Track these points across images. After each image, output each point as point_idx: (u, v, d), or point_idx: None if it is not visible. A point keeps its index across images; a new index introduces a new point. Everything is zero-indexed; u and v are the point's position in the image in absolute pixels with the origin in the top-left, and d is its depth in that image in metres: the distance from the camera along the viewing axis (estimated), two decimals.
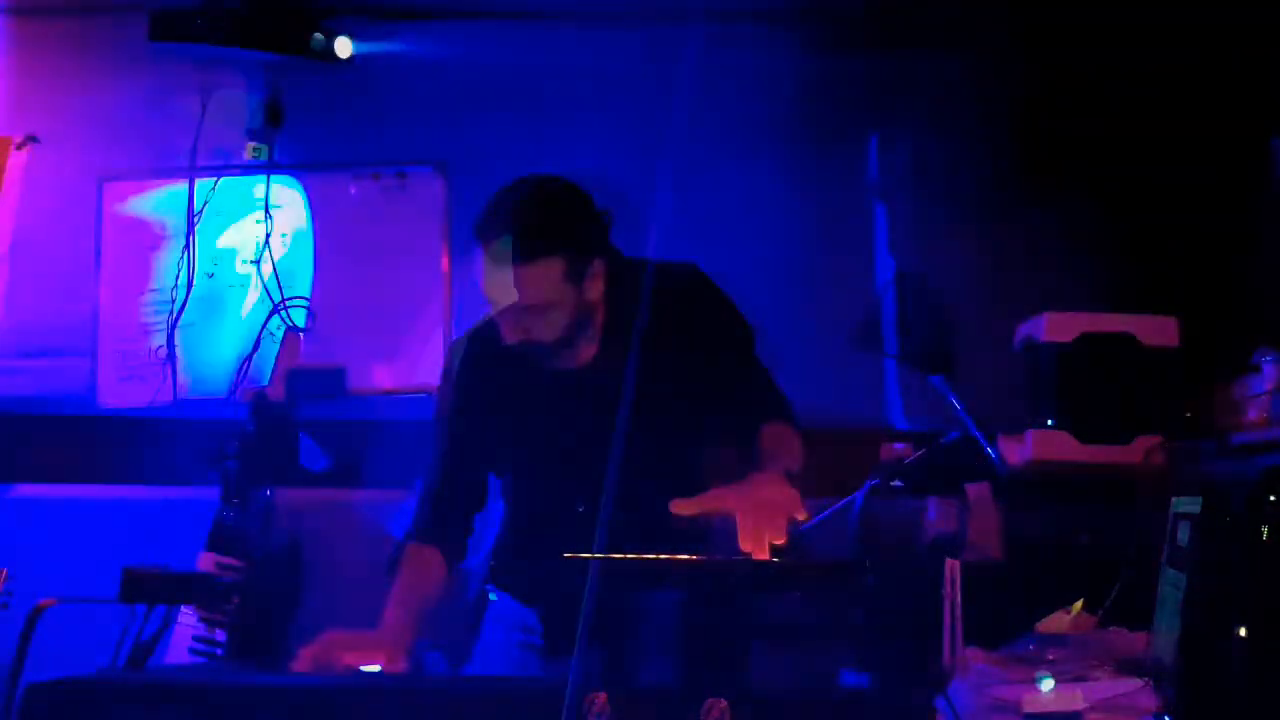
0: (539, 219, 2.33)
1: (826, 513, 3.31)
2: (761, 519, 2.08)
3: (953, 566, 2.21)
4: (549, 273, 2.31)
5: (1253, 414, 3.35)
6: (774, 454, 2.32)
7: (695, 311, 2.48)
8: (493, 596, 2.57)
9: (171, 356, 4.21)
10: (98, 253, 4.29)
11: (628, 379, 2.42)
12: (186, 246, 4.25)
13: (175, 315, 4.22)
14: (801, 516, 2.12)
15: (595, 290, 2.39)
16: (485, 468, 2.56)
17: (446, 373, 2.61)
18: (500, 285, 2.32)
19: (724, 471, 2.32)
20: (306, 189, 4.31)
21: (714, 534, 2.21)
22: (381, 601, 2.41)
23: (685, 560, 1.91)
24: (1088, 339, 3.50)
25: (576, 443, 2.43)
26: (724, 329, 2.50)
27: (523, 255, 2.29)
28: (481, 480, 2.56)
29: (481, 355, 2.54)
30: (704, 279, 2.55)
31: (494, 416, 2.50)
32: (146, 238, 4.30)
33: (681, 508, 2.14)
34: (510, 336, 2.35)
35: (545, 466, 2.50)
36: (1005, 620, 2.57)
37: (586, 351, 2.43)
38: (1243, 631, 1.88)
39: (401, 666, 2.18)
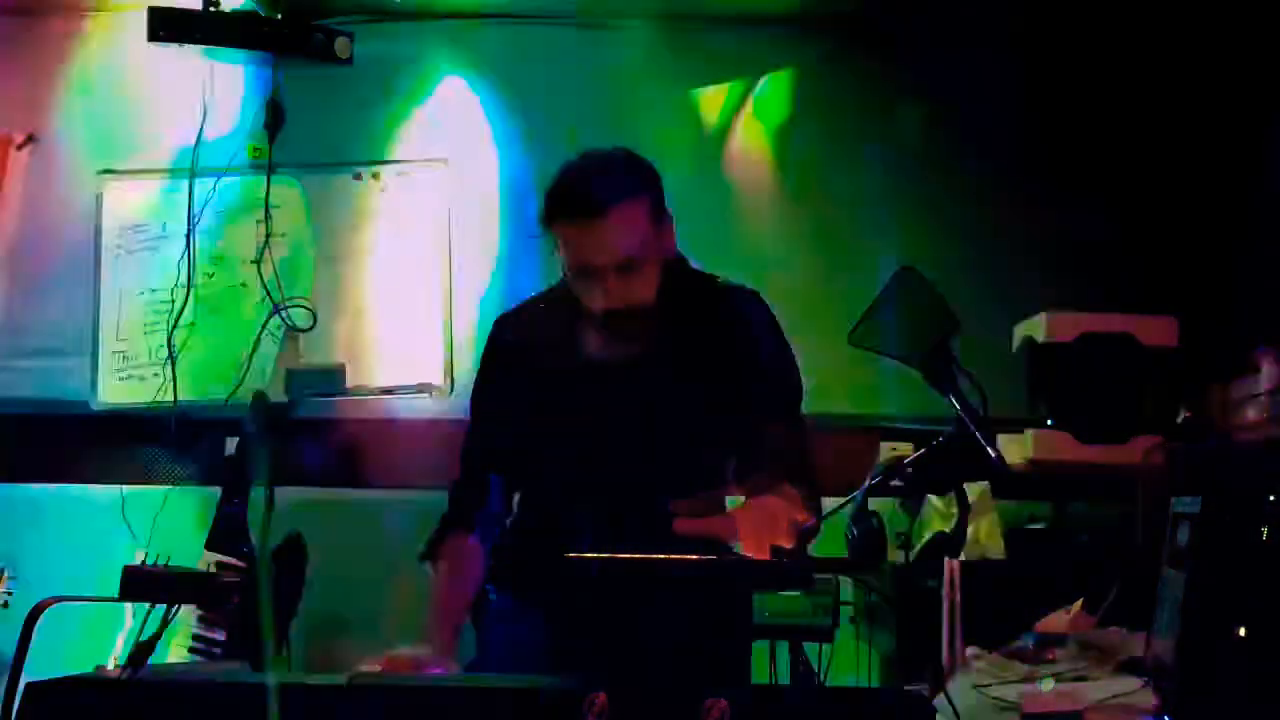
0: (617, 164, 2.35)
1: (826, 513, 3.30)
2: (763, 525, 2.07)
3: (953, 566, 2.22)
4: (640, 211, 2.30)
5: (1252, 414, 3.35)
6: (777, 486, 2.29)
7: (748, 343, 2.44)
8: (492, 596, 2.57)
9: (171, 356, 4.21)
10: (98, 252, 4.29)
11: (663, 382, 2.41)
12: (186, 246, 4.25)
13: (175, 315, 4.22)
14: (801, 517, 2.11)
15: (671, 246, 2.39)
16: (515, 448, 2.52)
17: (484, 352, 2.59)
18: (597, 244, 2.30)
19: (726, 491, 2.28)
20: (306, 189, 4.31)
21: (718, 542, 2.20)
22: (381, 602, 2.40)
23: (685, 560, 1.90)
24: (1088, 339, 3.51)
25: (585, 441, 2.42)
26: (772, 374, 2.46)
27: (616, 197, 2.28)
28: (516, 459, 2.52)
29: (518, 337, 2.53)
30: (766, 311, 2.51)
31: (519, 399, 2.48)
32: (146, 238, 4.30)
33: (684, 527, 2.12)
34: (614, 302, 2.31)
35: (559, 458, 2.48)
36: (1005, 620, 2.57)
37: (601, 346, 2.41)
38: (1243, 631, 1.88)
39: (454, 668, 2.17)
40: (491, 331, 2.58)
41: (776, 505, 2.11)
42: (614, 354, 2.39)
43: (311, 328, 4.23)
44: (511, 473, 2.50)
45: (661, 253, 2.37)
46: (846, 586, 3.42)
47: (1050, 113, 4.15)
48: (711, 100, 4.31)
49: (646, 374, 2.39)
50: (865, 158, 4.23)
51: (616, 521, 2.36)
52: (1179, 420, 3.44)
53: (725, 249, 3.76)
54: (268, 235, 4.25)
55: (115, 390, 4.24)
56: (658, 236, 2.35)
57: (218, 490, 3.54)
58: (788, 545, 2.01)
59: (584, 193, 2.29)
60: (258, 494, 3.50)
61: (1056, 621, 2.66)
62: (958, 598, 2.20)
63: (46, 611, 3.22)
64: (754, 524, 2.07)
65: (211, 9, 4.05)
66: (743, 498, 2.23)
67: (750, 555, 2.05)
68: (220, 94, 4.29)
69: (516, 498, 2.58)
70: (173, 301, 4.23)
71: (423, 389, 4.21)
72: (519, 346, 2.52)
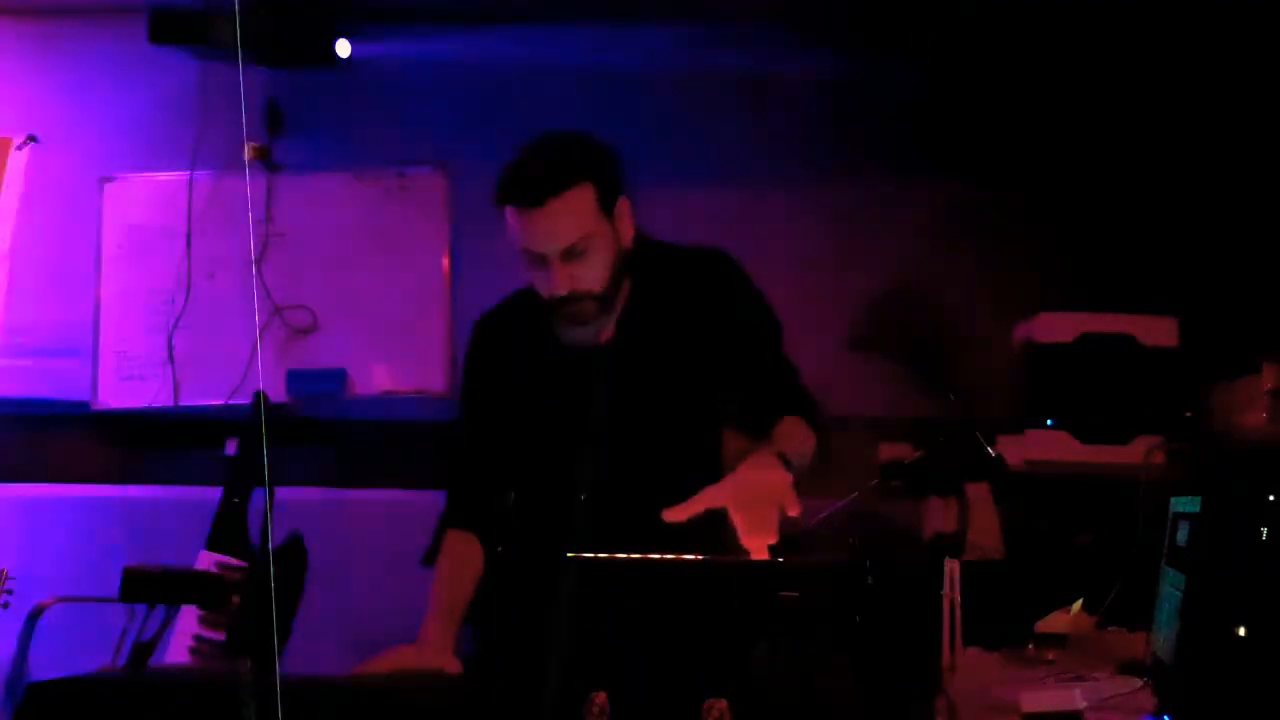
0: (562, 152, 2.34)
1: (827, 513, 3.31)
2: (754, 514, 2.06)
3: (953, 566, 2.22)
4: (583, 200, 2.29)
5: (1253, 414, 3.35)
6: (778, 440, 2.28)
7: (720, 299, 2.45)
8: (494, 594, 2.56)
9: (171, 356, 4.21)
10: (98, 253, 4.29)
11: (642, 363, 2.40)
12: (186, 246, 4.25)
13: (175, 315, 4.22)
14: (793, 511, 2.10)
15: (626, 232, 2.37)
16: (508, 447, 2.52)
17: (467, 355, 2.59)
18: (540, 232, 2.30)
19: (737, 463, 2.28)
20: (306, 189, 4.31)
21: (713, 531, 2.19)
22: (381, 602, 2.40)
23: (685, 560, 1.90)
24: (1088, 339, 3.51)
25: (583, 428, 2.42)
26: (749, 320, 2.47)
27: (556, 186, 2.28)
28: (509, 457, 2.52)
29: (498, 337, 2.53)
30: (733, 266, 2.52)
31: (507, 398, 2.48)
32: (146, 238, 4.30)
33: (673, 515, 2.11)
34: (559, 288, 2.32)
35: (550, 452, 2.48)
36: (1005, 620, 2.57)
37: (603, 332, 2.41)
38: (1243, 631, 1.88)
39: (455, 667, 2.16)
40: (470, 335, 2.59)
41: (765, 495, 2.09)
42: (579, 340, 2.39)
43: (311, 328, 4.24)
44: (504, 472, 2.51)
45: (615, 240, 2.36)
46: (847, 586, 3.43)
47: (1050, 113, 4.15)
48: (705, 97, 4.31)
49: (621, 359, 2.39)
50: (863, 159, 4.23)
51: (610, 514, 2.36)
52: (1179, 420, 3.45)
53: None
54: (268, 235, 4.25)
55: (115, 390, 4.24)
56: (607, 224, 2.34)
57: (218, 490, 3.53)
58: (773, 540, 2.01)
59: (527, 180, 2.30)
60: (258, 494, 3.50)
61: (1056, 622, 2.66)
62: (958, 598, 2.20)
63: (46, 611, 3.23)
64: (747, 518, 2.06)
65: (212, 10, 4.05)
66: (730, 490, 2.20)
67: (746, 544, 2.05)
68: (220, 94, 4.29)
69: (513, 497, 2.58)
70: (172, 301, 4.23)
71: (423, 390, 4.21)
72: (497, 347, 2.53)
